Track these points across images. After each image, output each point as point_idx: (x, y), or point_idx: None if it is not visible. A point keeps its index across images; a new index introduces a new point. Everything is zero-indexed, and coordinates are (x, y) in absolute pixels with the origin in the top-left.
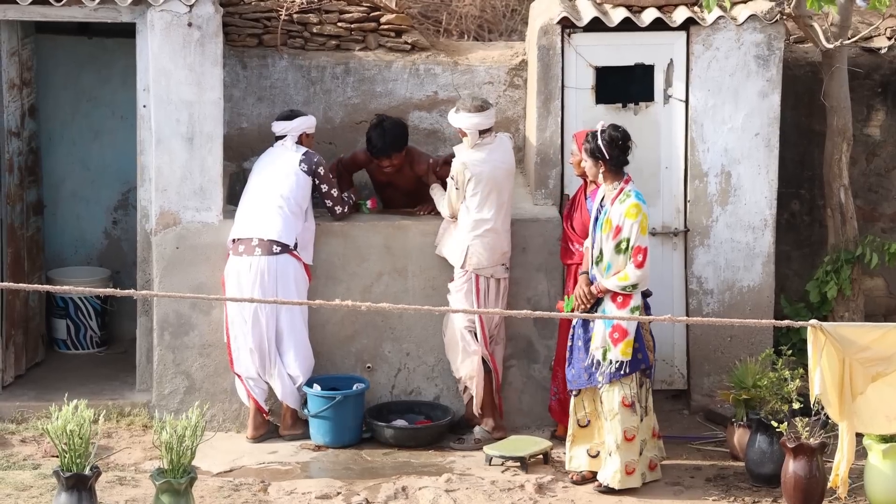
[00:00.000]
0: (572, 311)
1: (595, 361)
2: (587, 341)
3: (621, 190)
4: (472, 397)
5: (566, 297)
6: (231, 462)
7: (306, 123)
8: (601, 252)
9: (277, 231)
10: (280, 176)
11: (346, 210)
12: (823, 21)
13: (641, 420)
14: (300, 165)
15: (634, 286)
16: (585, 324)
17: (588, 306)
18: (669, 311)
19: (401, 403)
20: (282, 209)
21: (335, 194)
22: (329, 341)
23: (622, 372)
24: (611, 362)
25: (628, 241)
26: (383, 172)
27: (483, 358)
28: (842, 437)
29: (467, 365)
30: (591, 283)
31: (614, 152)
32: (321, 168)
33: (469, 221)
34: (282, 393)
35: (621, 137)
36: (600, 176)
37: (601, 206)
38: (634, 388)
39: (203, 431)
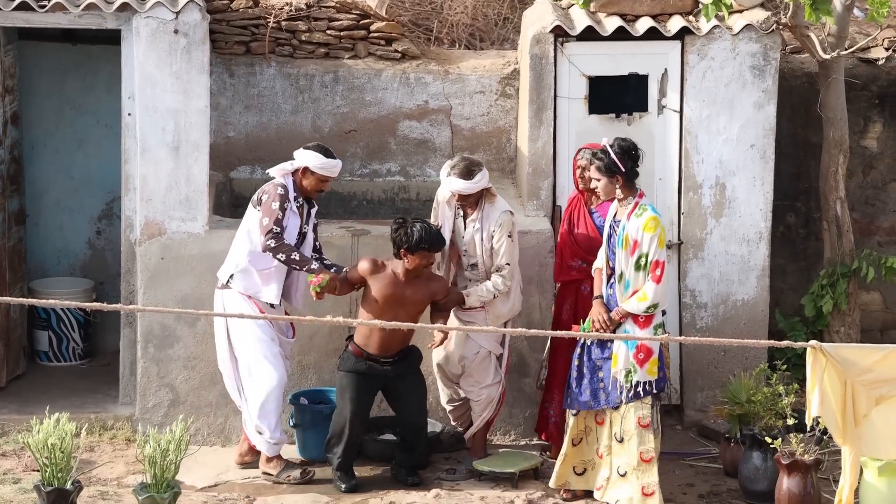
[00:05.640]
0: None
1: (617, 383)
2: (605, 360)
3: (636, 204)
4: (471, 424)
5: (581, 321)
6: (216, 477)
7: (300, 160)
8: (622, 272)
9: (223, 266)
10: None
11: (271, 245)
12: (820, 31)
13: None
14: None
15: (656, 306)
16: (602, 344)
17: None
18: None
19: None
20: (237, 244)
21: (265, 223)
22: (317, 353)
23: (646, 391)
24: (637, 383)
25: (647, 256)
26: (391, 284)
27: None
28: (845, 462)
29: (493, 391)
30: (606, 306)
31: (628, 164)
32: (264, 195)
33: (516, 270)
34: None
35: (631, 146)
36: (618, 191)
37: (615, 224)
38: (652, 407)
39: (187, 445)
